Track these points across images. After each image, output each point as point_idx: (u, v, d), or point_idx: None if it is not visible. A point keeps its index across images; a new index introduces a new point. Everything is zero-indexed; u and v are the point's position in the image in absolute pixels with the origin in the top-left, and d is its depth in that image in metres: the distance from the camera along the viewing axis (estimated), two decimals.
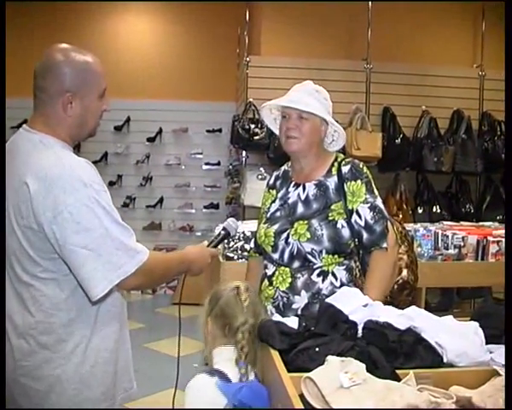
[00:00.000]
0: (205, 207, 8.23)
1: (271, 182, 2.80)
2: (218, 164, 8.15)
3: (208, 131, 8.14)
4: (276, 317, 1.95)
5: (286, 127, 2.57)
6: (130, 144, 8.14)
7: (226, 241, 3.50)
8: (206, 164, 8.21)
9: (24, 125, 2.05)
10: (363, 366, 1.48)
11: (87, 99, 2.02)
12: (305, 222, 2.51)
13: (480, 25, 6.44)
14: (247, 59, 5.98)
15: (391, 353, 1.65)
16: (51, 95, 1.97)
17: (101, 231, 1.87)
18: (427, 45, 6.40)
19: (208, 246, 2.35)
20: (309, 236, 2.48)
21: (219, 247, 2.63)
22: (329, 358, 1.50)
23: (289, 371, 1.60)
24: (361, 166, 2.60)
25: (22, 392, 1.96)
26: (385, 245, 2.47)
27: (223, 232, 2.43)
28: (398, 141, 5.82)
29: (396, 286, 2.60)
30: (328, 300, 1.96)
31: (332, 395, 1.38)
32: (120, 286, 1.95)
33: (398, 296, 2.56)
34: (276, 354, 1.70)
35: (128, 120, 8.00)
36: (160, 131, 8.15)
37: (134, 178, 8.19)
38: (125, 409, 2.99)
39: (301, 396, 1.44)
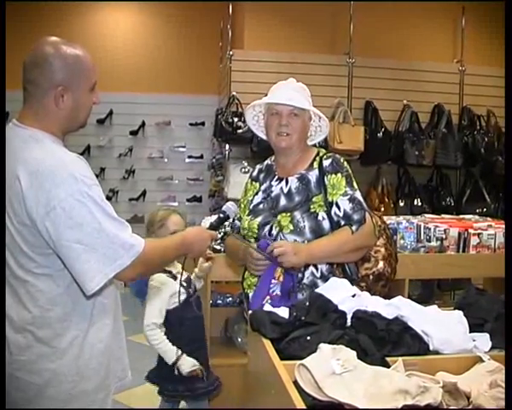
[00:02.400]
0: (188, 200, 8.24)
1: (254, 174, 2.85)
2: (201, 157, 8.16)
3: (191, 124, 8.15)
4: (268, 307, 1.99)
5: (278, 124, 2.62)
6: (112, 137, 8.11)
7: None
8: (189, 157, 8.22)
9: (14, 120, 2.03)
10: (354, 353, 1.53)
11: (78, 92, 2.02)
12: (288, 214, 2.58)
13: (459, 21, 6.51)
14: (231, 53, 5.97)
15: (379, 341, 1.71)
16: (42, 88, 1.96)
17: (94, 225, 1.87)
18: (409, 40, 6.46)
19: (208, 229, 2.38)
20: (292, 228, 2.55)
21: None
22: (321, 346, 1.55)
23: (281, 359, 1.65)
24: (341, 160, 2.68)
25: (17, 386, 1.97)
26: (354, 228, 2.53)
27: (222, 215, 2.47)
28: (379, 135, 5.87)
29: (372, 277, 2.67)
30: (317, 290, 2.02)
31: (324, 381, 1.43)
32: (118, 278, 1.97)
33: (374, 287, 2.62)
34: (268, 343, 1.74)
35: (111, 113, 7.96)
36: (143, 125, 8.13)
37: (117, 171, 8.16)
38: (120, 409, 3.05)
39: (294, 383, 1.49)
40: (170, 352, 3.13)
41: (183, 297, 3.09)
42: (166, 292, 3.13)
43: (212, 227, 2.41)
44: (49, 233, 1.87)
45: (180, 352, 3.11)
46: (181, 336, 3.15)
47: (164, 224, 3.21)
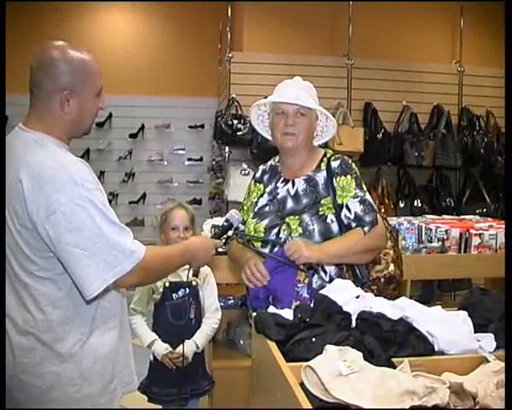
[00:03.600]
0: (187, 202, 8.16)
1: (258, 175, 2.80)
2: (201, 160, 8.16)
3: (190, 126, 8.14)
4: (272, 309, 1.98)
5: (284, 124, 2.57)
6: (112, 141, 8.10)
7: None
8: (189, 160, 8.21)
9: (20, 124, 2.04)
10: (360, 354, 1.53)
11: (84, 97, 2.03)
12: (297, 217, 2.54)
13: (458, 22, 6.52)
14: (230, 55, 5.99)
15: (384, 342, 1.70)
16: (48, 92, 1.97)
17: (94, 230, 1.87)
18: (407, 42, 6.48)
19: (212, 238, 2.39)
20: (301, 231, 2.51)
21: None
22: (327, 347, 1.55)
23: (286, 361, 1.64)
24: (350, 161, 2.63)
25: (20, 388, 1.97)
26: (366, 229, 2.50)
27: (226, 224, 2.46)
28: (379, 136, 5.89)
29: (383, 279, 2.64)
30: (322, 291, 2.01)
31: (331, 382, 1.43)
32: (118, 285, 1.97)
33: (385, 290, 2.58)
34: (273, 345, 1.74)
35: (110, 116, 7.95)
36: (143, 128, 8.13)
37: (116, 174, 8.15)
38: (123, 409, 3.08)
39: (300, 385, 1.49)
40: (144, 336, 3.22)
41: (157, 297, 3.19)
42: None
43: (216, 236, 2.41)
44: (50, 237, 1.87)
45: (155, 337, 3.18)
46: (154, 331, 3.24)
47: (166, 218, 3.23)
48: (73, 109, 2.01)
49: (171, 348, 3.16)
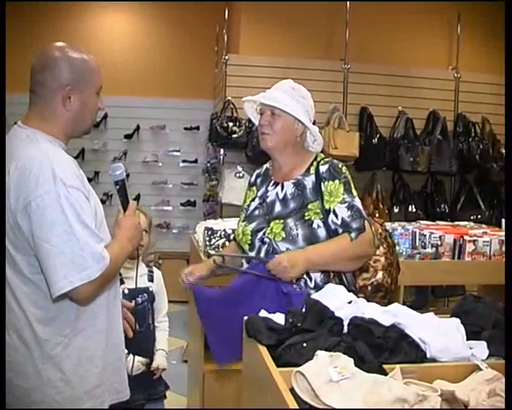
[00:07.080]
0: (182, 204, 8.21)
1: (252, 180, 2.80)
2: (196, 162, 8.13)
3: (186, 128, 8.12)
4: (263, 313, 1.97)
5: (260, 123, 2.60)
6: (107, 141, 8.08)
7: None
8: (184, 161, 8.19)
9: (18, 122, 2.06)
10: (352, 360, 1.52)
11: (85, 94, 2.05)
12: (281, 221, 2.51)
13: (455, 28, 6.52)
14: (226, 57, 5.98)
15: (376, 348, 1.69)
16: (50, 89, 2.00)
17: (65, 227, 1.85)
18: (404, 47, 6.47)
19: (124, 209, 2.22)
20: (284, 235, 2.48)
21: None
22: (319, 353, 1.53)
23: (277, 366, 1.63)
24: (340, 166, 2.59)
25: (8, 388, 1.95)
26: (353, 235, 2.46)
27: (117, 187, 2.23)
28: (374, 141, 5.88)
29: (370, 288, 2.61)
30: (313, 296, 1.99)
31: (322, 388, 1.41)
32: (83, 290, 1.89)
33: (372, 298, 2.51)
34: (264, 350, 1.72)
35: (105, 116, 7.92)
36: (138, 128, 8.11)
37: None
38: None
39: (290, 390, 1.48)
40: None
41: None
42: None
43: (124, 205, 2.22)
44: (24, 229, 1.87)
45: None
46: None
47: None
48: (75, 106, 2.03)
49: (145, 362, 3.16)
